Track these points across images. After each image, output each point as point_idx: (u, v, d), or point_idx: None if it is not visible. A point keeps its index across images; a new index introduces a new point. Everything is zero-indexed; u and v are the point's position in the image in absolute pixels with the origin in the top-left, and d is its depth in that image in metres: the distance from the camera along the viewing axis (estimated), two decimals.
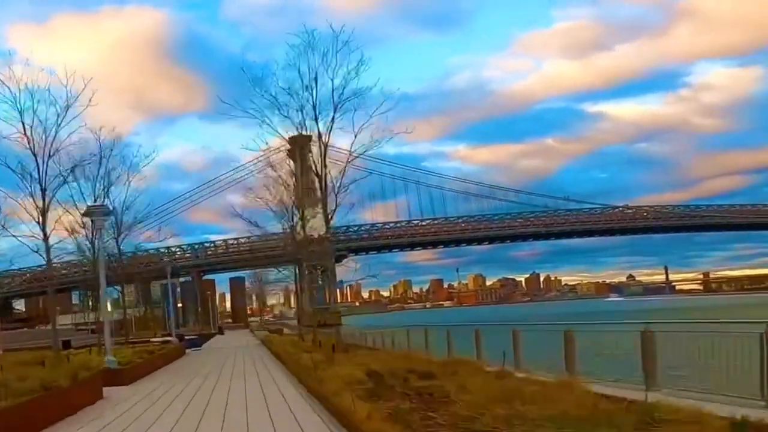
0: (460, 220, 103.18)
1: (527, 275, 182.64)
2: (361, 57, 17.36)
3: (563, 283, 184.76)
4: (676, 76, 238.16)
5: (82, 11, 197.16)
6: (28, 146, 21.65)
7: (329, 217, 17.91)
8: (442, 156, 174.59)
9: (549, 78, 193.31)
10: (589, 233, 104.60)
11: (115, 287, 37.57)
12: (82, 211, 21.31)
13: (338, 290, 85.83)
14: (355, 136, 17.51)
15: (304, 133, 19.27)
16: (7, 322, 79.72)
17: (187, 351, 30.45)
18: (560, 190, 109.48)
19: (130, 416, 10.24)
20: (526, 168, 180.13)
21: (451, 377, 9.38)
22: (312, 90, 17.52)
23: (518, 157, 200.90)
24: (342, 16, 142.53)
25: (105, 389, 13.23)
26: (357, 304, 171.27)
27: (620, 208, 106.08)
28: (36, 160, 21.74)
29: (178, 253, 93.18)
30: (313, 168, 18.43)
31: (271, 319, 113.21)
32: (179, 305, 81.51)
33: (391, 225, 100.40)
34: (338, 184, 18.44)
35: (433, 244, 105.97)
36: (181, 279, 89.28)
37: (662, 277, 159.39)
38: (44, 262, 23.85)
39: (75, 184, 25.01)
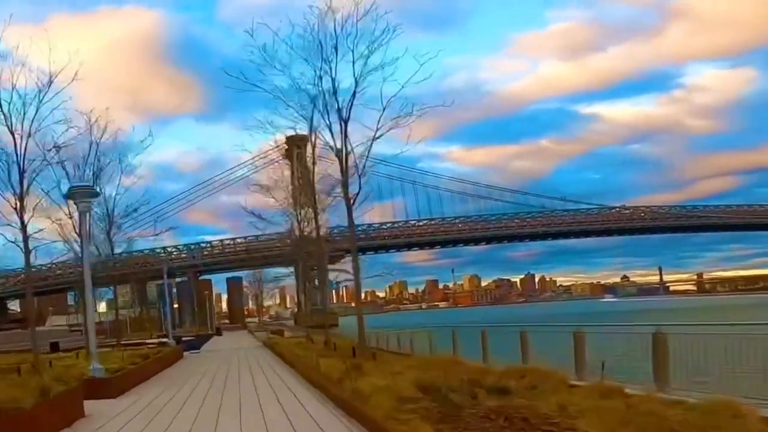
0: (457, 221, 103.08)
1: (522, 276, 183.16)
2: (386, 26, 15.48)
3: (558, 284, 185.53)
4: (670, 77, 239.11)
5: (79, 12, 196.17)
6: (4, 123, 20.23)
7: (351, 202, 16.59)
8: (437, 157, 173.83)
9: (544, 79, 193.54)
10: (586, 233, 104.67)
11: (109, 287, 35.92)
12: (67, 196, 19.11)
13: (333, 291, 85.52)
14: (384, 110, 15.88)
15: (315, 120, 17.79)
16: (2, 323, 79.28)
17: (185, 354, 29.35)
18: (555, 191, 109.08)
19: None
20: (520, 169, 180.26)
21: (531, 392, 7.74)
22: (330, 63, 16.06)
23: (513, 158, 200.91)
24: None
25: (88, 404, 11.04)
26: (352, 305, 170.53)
27: (617, 209, 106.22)
28: (13, 137, 20.27)
29: (175, 253, 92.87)
30: (333, 150, 16.77)
31: (268, 319, 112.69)
32: (176, 306, 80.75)
33: (388, 225, 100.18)
34: (362, 165, 16.39)
35: (430, 245, 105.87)
36: (178, 279, 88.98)
37: (656, 278, 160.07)
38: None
39: (61, 170, 23.23)
